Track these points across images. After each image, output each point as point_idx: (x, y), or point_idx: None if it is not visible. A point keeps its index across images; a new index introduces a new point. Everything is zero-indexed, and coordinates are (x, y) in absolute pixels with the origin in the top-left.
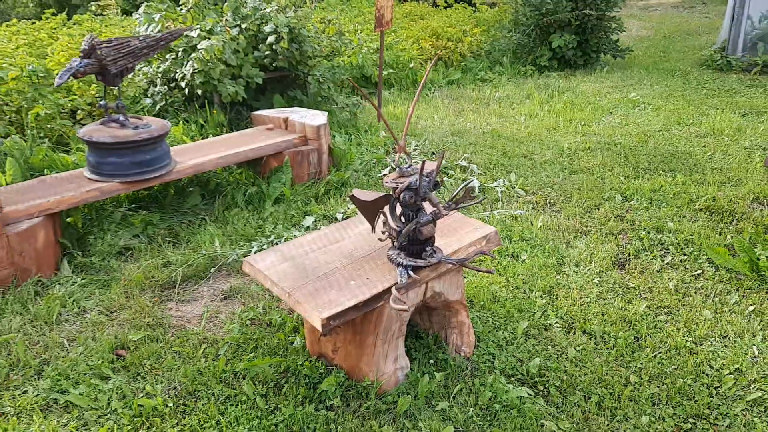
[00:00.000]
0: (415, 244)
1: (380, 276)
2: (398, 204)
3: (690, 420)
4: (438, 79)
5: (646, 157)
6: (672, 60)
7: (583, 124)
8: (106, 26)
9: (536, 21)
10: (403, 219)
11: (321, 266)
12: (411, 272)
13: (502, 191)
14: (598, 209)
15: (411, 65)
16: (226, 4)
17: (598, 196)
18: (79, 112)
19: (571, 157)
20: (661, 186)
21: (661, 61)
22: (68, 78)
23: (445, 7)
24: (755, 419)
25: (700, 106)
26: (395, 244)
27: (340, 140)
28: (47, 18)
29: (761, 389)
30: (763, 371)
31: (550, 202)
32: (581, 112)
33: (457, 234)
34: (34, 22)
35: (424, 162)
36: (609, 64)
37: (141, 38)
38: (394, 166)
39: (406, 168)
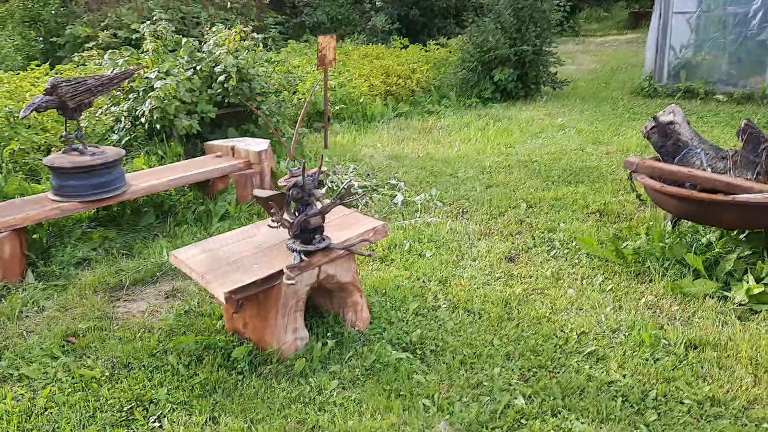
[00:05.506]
0: (306, 233)
1: (281, 261)
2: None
3: (533, 369)
4: (387, 113)
5: (558, 172)
6: (611, 89)
7: (508, 146)
8: (86, 74)
9: (479, 58)
10: (296, 213)
11: (233, 255)
12: (303, 256)
13: (422, 204)
14: (503, 215)
15: (361, 100)
16: (182, 48)
17: (505, 205)
18: (53, 148)
19: (491, 174)
20: (563, 195)
21: (600, 90)
22: (31, 112)
23: (401, 49)
24: (585, 366)
25: (619, 128)
26: (290, 233)
27: (284, 165)
28: (32, 68)
29: (597, 345)
30: (603, 332)
31: (463, 211)
32: (510, 136)
33: (351, 228)
34: (18, 73)
35: (304, 163)
36: (549, 94)
37: (96, 77)
38: (288, 171)
39: (295, 170)
